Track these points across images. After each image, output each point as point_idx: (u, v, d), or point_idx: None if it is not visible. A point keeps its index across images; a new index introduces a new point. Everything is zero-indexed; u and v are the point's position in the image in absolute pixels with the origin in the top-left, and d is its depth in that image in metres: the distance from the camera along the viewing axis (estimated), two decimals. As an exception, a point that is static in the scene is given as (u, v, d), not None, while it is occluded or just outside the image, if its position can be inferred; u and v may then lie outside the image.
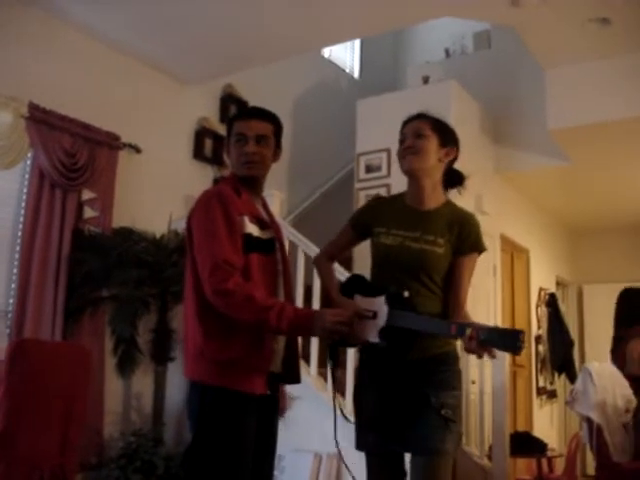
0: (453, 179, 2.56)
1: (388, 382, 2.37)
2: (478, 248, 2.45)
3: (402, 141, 2.50)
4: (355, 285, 2.46)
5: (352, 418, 2.50)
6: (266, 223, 2.39)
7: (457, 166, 2.58)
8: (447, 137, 2.50)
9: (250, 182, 2.43)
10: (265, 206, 2.53)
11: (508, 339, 1.96)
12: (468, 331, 2.03)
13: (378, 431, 2.35)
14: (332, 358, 2.49)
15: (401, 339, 2.23)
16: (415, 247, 2.39)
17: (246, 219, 2.29)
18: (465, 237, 2.42)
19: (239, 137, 2.39)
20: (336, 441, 2.41)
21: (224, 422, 2.20)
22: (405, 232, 2.42)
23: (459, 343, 2.44)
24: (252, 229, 2.30)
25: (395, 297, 2.26)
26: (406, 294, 2.27)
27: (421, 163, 2.43)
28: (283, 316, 2.10)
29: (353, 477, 2.49)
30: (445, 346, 2.40)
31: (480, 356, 2.09)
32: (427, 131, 2.45)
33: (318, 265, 2.70)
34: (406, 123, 2.54)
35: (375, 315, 2.25)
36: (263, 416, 2.32)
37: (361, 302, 2.35)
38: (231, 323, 2.18)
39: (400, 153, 2.49)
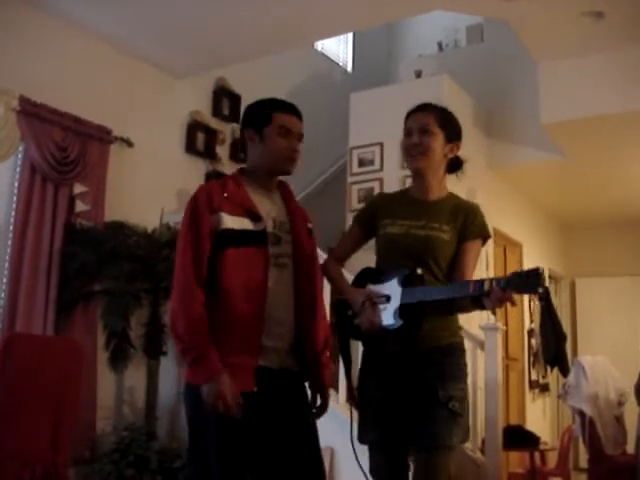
0: (453, 165, 2.56)
1: (393, 374, 2.34)
2: (483, 234, 2.45)
3: (407, 135, 2.46)
4: (366, 276, 2.45)
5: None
6: (259, 215, 2.27)
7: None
8: (452, 132, 2.49)
9: (272, 175, 2.36)
10: (286, 196, 2.43)
11: (528, 280, 1.96)
12: (487, 284, 2.04)
13: (383, 424, 2.32)
14: (344, 356, 2.46)
15: (415, 316, 2.22)
16: (420, 233, 2.38)
17: (223, 215, 2.22)
18: (470, 223, 2.42)
19: (285, 130, 2.30)
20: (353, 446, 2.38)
21: (212, 421, 2.14)
22: (410, 221, 2.42)
23: (465, 340, 2.43)
24: (234, 223, 2.22)
25: (409, 276, 2.26)
26: (419, 271, 2.27)
27: (428, 162, 2.43)
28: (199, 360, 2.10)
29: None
30: (451, 337, 2.39)
31: (509, 302, 2.05)
32: (434, 127, 2.42)
33: (326, 269, 2.57)
34: (410, 114, 2.49)
35: (389, 298, 2.25)
36: (265, 412, 2.19)
37: (373, 289, 2.34)
38: (215, 324, 2.16)
39: (406, 149, 2.46)
